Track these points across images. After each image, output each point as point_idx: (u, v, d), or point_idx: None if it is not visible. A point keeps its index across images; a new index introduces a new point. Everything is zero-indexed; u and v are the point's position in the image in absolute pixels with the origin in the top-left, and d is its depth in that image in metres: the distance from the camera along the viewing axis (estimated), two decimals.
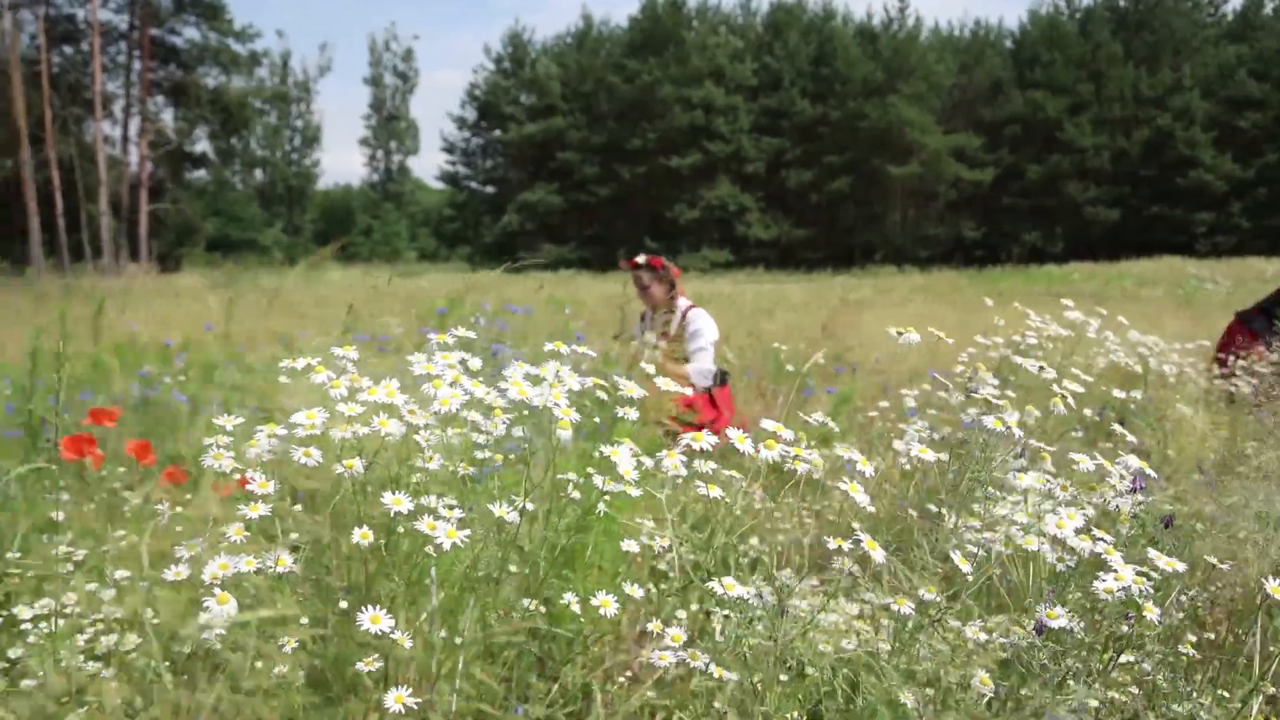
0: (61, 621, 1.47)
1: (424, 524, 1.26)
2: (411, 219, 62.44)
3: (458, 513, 1.33)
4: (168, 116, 35.22)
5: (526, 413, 1.45)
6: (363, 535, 1.27)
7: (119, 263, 31.38)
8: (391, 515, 1.29)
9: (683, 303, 4.63)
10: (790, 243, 45.99)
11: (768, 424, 1.28)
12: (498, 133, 48.91)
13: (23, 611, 1.53)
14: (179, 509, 1.60)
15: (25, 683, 1.40)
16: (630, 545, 1.61)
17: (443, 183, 52.37)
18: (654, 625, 1.42)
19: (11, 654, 1.47)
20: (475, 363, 1.50)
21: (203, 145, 38.25)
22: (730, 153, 45.41)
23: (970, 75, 46.84)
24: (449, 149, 50.89)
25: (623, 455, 1.35)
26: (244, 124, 37.04)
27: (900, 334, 1.49)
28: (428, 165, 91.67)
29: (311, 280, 30.38)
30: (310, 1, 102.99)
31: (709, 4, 49.12)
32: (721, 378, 4.42)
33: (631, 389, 1.40)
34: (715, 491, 1.31)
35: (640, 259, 4.63)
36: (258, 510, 1.27)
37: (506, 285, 22.29)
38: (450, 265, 49.25)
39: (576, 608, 1.49)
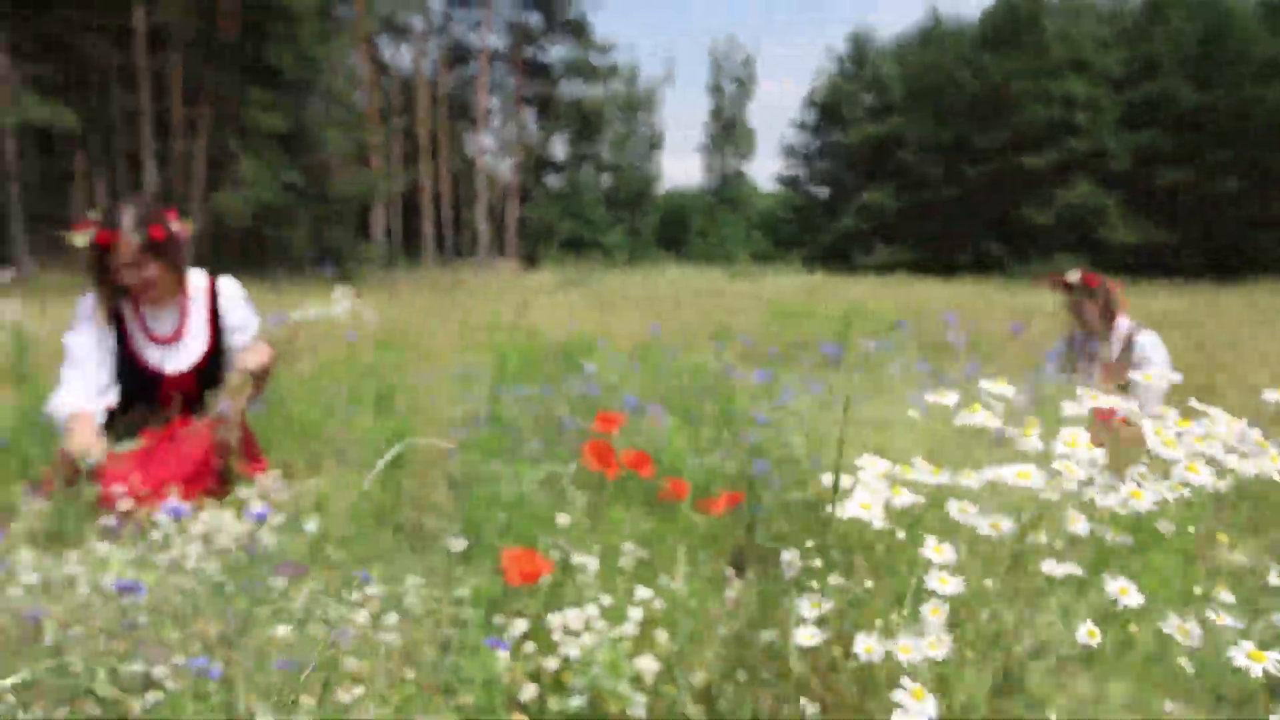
0: None
1: None
2: (746, 222, 63.99)
3: None
4: (534, 127, 39.07)
5: None
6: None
7: (490, 260, 35.25)
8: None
9: (1124, 324, 3.99)
10: (1158, 248, 41.14)
11: None
12: (837, 135, 48.72)
13: None
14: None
15: None
16: None
17: (782, 185, 53.05)
18: None
19: None
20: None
21: (562, 154, 42.11)
22: (1091, 150, 41.57)
23: None
24: (789, 153, 51.47)
25: None
26: (599, 130, 39.99)
27: None
28: (760, 169, 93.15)
29: (652, 276, 32.12)
30: (656, 17, 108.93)
31: None
32: None
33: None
34: None
35: (1072, 276, 4.02)
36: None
37: (849, 287, 22.11)
38: (782, 267, 49.91)
39: None
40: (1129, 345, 3.85)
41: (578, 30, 36.79)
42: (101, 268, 2.65)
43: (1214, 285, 30.68)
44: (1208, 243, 40.06)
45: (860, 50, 49.23)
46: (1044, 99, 41.71)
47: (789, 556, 1.48)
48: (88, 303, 2.76)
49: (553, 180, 41.71)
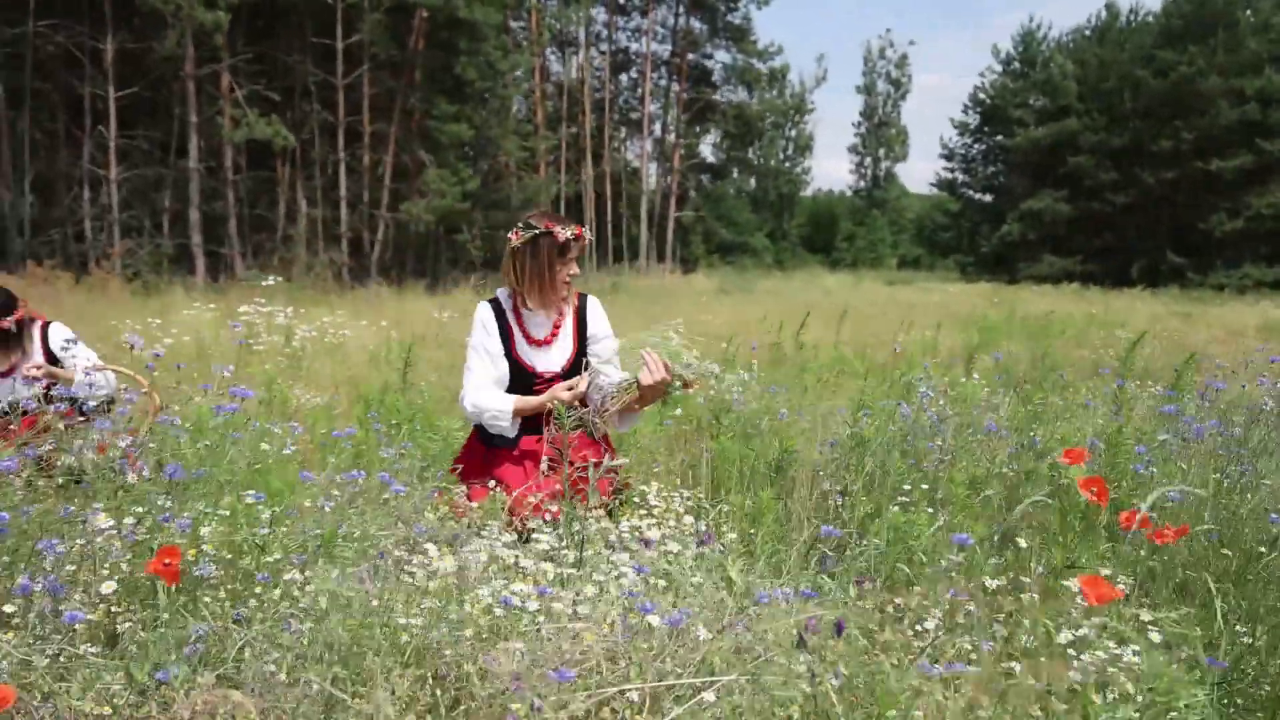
0: None
1: None
2: (895, 226, 62.42)
3: None
4: (697, 132, 39.32)
5: None
6: None
7: (649, 264, 35.73)
8: None
9: None
10: None
11: None
12: (1000, 138, 46.92)
13: None
14: None
15: None
16: None
17: (939, 189, 51.49)
18: None
19: None
20: None
21: (713, 156, 42.25)
22: None
23: None
24: (948, 155, 49.93)
25: None
26: (758, 136, 39.90)
27: None
28: (912, 171, 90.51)
29: (808, 285, 31.77)
30: (809, 17, 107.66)
31: None
32: None
33: None
34: None
35: None
36: None
37: (1032, 300, 21.30)
38: (936, 274, 48.44)
39: None
40: None
41: (739, 36, 36.80)
42: None
43: None
44: None
45: (1029, 48, 47.21)
46: (1236, 97, 38.93)
47: None
48: (487, 308, 3.20)
49: (709, 185, 41.89)
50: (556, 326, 3.22)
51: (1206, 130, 39.53)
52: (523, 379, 3.17)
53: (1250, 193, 39.19)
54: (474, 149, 24.43)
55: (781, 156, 62.83)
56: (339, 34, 22.76)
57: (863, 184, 65.01)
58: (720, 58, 38.04)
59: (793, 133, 61.89)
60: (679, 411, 3.85)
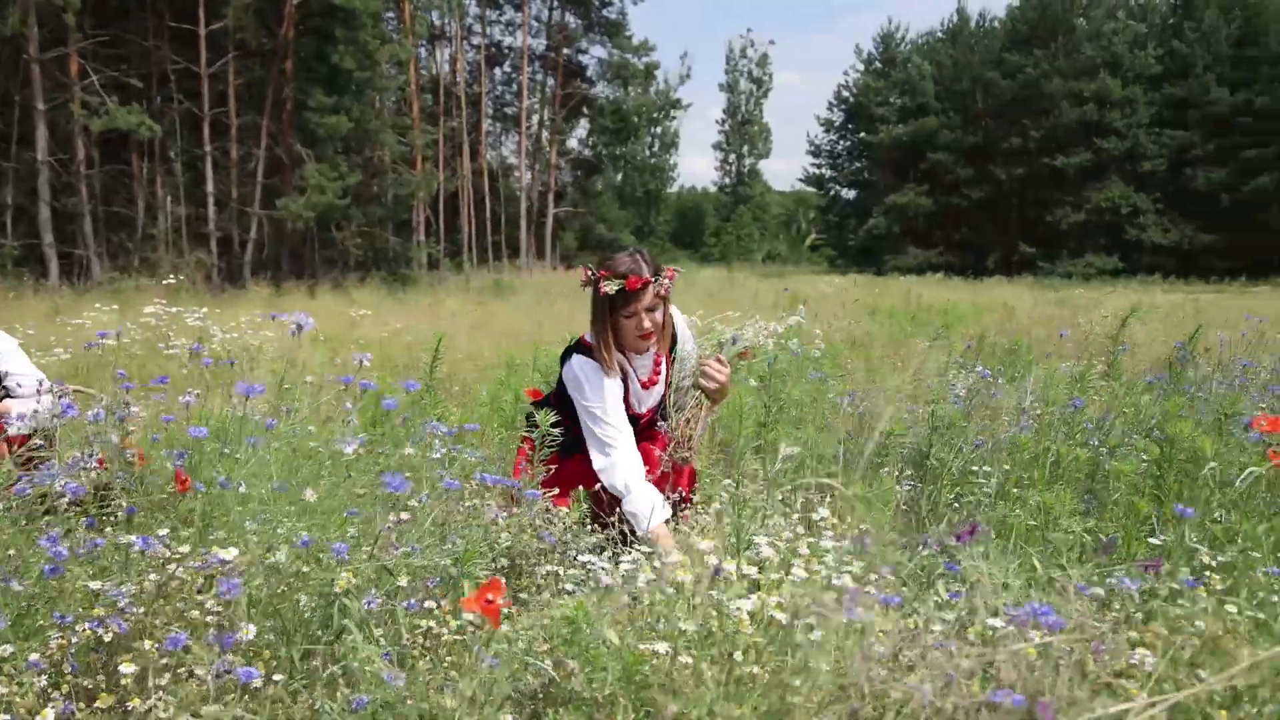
0: None
1: None
2: (760, 222, 63.86)
3: None
4: (573, 128, 38.99)
5: None
6: None
7: (529, 261, 35.20)
8: None
9: None
10: (1193, 249, 41.08)
11: None
12: (864, 135, 48.61)
13: None
14: None
15: None
16: None
17: (808, 185, 52.91)
18: None
19: None
20: None
21: (589, 152, 41.98)
22: (1125, 150, 41.50)
23: None
24: (815, 151, 51.35)
25: None
26: (634, 132, 39.92)
27: None
28: (775, 168, 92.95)
29: (689, 281, 32.02)
30: (672, 14, 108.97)
31: None
32: None
33: None
34: None
35: None
36: None
37: (910, 288, 22.01)
38: (803, 268, 49.80)
39: None
40: None
41: (614, 31, 36.69)
42: None
43: (1244, 285, 30.70)
44: (1244, 244, 39.90)
45: (889, 48, 49.10)
46: (1076, 99, 41.63)
47: None
48: (589, 366, 2.81)
49: (584, 181, 41.65)
50: (656, 368, 2.96)
51: (1051, 129, 42.09)
52: (632, 424, 2.88)
53: (1090, 188, 41.99)
54: (352, 143, 23.34)
55: (648, 153, 63.36)
56: (201, 19, 21.30)
57: (728, 180, 66.06)
58: (596, 53, 37.85)
59: (658, 130, 62.46)
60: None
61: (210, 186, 21.97)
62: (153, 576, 1.93)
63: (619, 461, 2.70)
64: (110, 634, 1.84)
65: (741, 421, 3.24)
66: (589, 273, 2.79)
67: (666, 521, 2.64)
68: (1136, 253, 41.23)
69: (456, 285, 24.93)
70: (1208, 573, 1.84)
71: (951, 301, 15.31)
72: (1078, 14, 43.58)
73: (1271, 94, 39.63)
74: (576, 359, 2.84)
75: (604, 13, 36.51)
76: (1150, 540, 2.10)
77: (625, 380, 2.88)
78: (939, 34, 49.16)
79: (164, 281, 9.70)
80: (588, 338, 2.87)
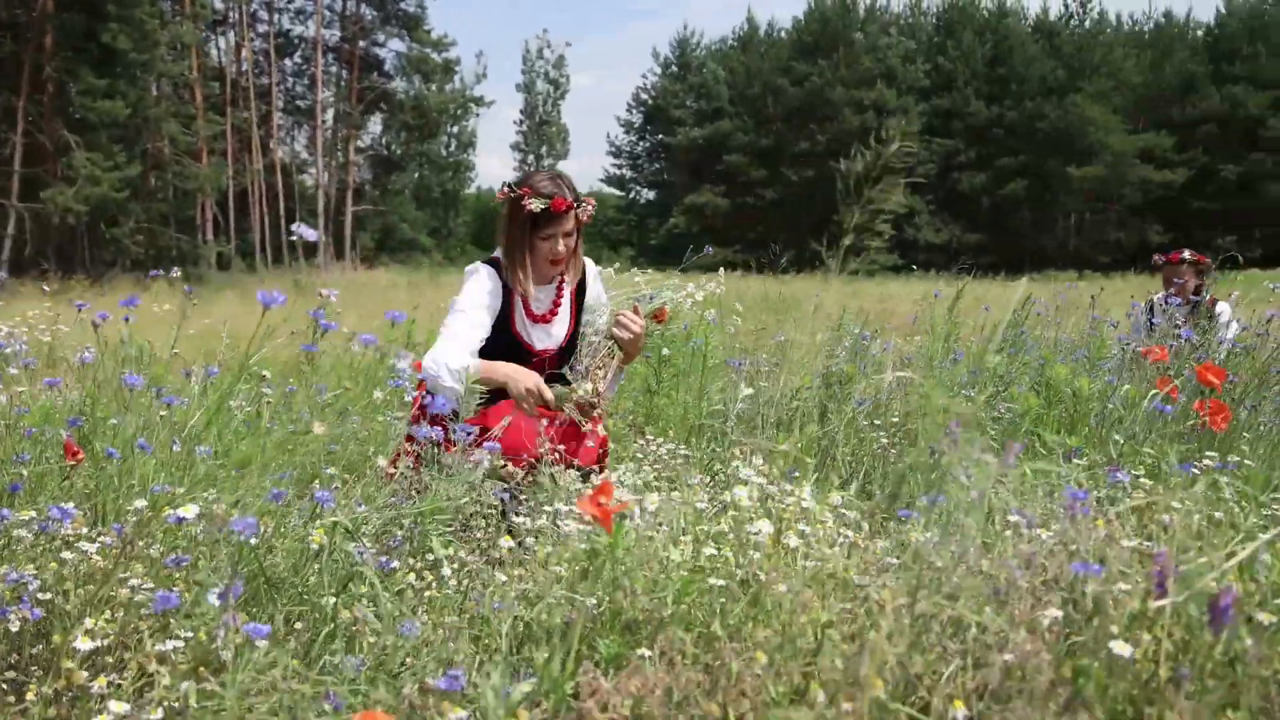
0: None
1: None
2: None
3: None
4: (371, 124, 37.56)
5: None
6: None
7: (327, 261, 33.62)
8: None
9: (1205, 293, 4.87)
10: (960, 247, 45.03)
11: None
12: (662, 136, 49.80)
13: None
14: None
15: None
16: None
17: (609, 185, 53.55)
18: None
19: None
20: None
21: (387, 150, 40.64)
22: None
23: (1158, 72, 44.72)
24: (615, 152, 52.09)
25: None
26: (435, 130, 39.03)
27: None
28: (574, 168, 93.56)
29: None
30: (466, 12, 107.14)
31: (878, 5, 48.63)
32: None
33: None
34: None
35: (1188, 254, 5.02)
36: None
37: (733, 284, 22.74)
38: (604, 265, 50.45)
39: None
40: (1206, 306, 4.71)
41: (412, 24, 35.69)
42: None
43: (1003, 279, 34.10)
44: (1003, 241, 44.18)
45: (685, 53, 50.59)
46: (857, 107, 44.58)
47: None
48: (487, 270, 2.80)
49: (385, 179, 40.28)
50: (557, 302, 2.88)
51: (836, 134, 44.81)
52: (517, 357, 2.77)
53: (870, 188, 45.05)
54: (129, 131, 21.38)
55: (444, 153, 62.13)
56: None
57: None
58: (394, 46, 36.67)
59: (454, 129, 61.40)
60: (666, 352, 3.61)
61: None
62: (66, 555, 1.66)
63: (436, 345, 2.65)
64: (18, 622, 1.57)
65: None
66: (508, 190, 2.76)
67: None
68: (913, 250, 44.68)
69: (254, 285, 23.43)
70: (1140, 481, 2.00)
71: (776, 292, 15.99)
72: (856, 28, 46.70)
73: (1019, 109, 44.11)
74: (477, 265, 2.84)
75: (401, 5, 35.44)
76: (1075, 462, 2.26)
77: (514, 305, 2.81)
78: (731, 41, 51.15)
79: None
80: (498, 255, 2.84)
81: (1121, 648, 0.99)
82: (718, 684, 1.09)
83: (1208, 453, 2.12)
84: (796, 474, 2.11)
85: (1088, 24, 46.12)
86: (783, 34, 50.04)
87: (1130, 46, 45.72)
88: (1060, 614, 1.13)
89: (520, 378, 2.61)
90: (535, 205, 2.66)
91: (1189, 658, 1.01)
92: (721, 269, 7.87)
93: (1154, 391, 2.40)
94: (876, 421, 3.28)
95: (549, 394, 2.61)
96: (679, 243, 48.74)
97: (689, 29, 74.72)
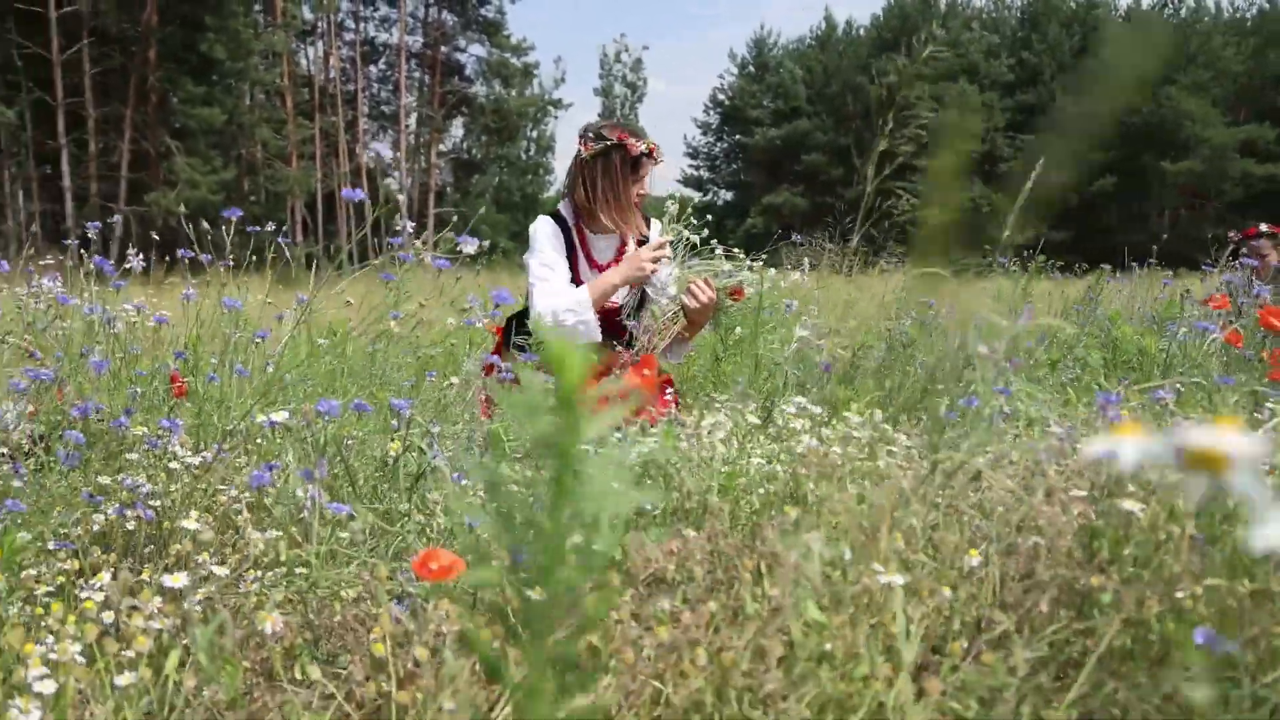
0: None
1: None
2: None
3: None
4: (452, 128, 38.44)
5: None
6: None
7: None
8: None
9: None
10: (1046, 245, 43.80)
11: None
12: (740, 137, 49.73)
13: None
14: None
15: None
16: None
17: (686, 186, 53.65)
18: None
19: None
20: None
21: (467, 154, 41.49)
22: (983, 152, 43.92)
23: (1260, 59, 42.85)
24: (692, 154, 52.17)
25: None
26: (515, 133, 39.69)
27: None
28: (655, 170, 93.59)
29: None
30: (546, 18, 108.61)
31: (959, 1, 47.74)
32: None
33: None
34: None
35: (1264, 227, 5.05)
36: None
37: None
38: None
39: None
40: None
41: (492, 30, 36.40)
42: None
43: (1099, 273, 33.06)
44: (1091, 239, 42.84)
45: (762, 53, 50.42)
46: (936, 102, 43.82)
47: None
48: (550, 222, 2.91)
49: (467, 181, 41.13)
50: (621, 251, 2.94)
51: (914, 131, 44.15)
52: None
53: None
54: (225, 137, 22.35)
55: (523, 156, 63.06)
56: (50, 2, 20.00)
57: None
58: (474, 51, 37.46)
59: (533, 133, 62.28)
60: (738, 331, 3.69)
61: (67, 181, 20.65)
62: (174, 465, 1.85)
63: (538, 296, 2.76)
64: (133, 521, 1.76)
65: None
66: (594, 140, 2.82)
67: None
68: (998, 250, 43.71)
69: (339, 283, 24.22)
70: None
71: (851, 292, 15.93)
72: (937, 24, 45.90)
73: (1109, 104, 42.75)
74: (538, 219, 2.94)
75: (482, 11, 36.20)
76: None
77: (577, 255, 2.89)
78: (809, 41, 50.76)
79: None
80: (562, 209, 2.93)
81: (1131, 504, 1.05)
82: (754, 549, 1.18)
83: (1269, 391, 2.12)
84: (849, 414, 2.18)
85: (1183, 13, 44.40)
86: (861, 32, 49.52)
87: (1231, 35, 43.89)
88: (1085, 492, 1.19)
89: (631, 261, 2.76)
90: (643, 146, 2.78)
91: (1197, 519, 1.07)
92: (806, 260, 7.85)
93: (1213, 337, 2.39)
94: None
95: (665, 250, 2.76)
96: (756, 243, 48.73)
97: (765, 30, 74.53)
